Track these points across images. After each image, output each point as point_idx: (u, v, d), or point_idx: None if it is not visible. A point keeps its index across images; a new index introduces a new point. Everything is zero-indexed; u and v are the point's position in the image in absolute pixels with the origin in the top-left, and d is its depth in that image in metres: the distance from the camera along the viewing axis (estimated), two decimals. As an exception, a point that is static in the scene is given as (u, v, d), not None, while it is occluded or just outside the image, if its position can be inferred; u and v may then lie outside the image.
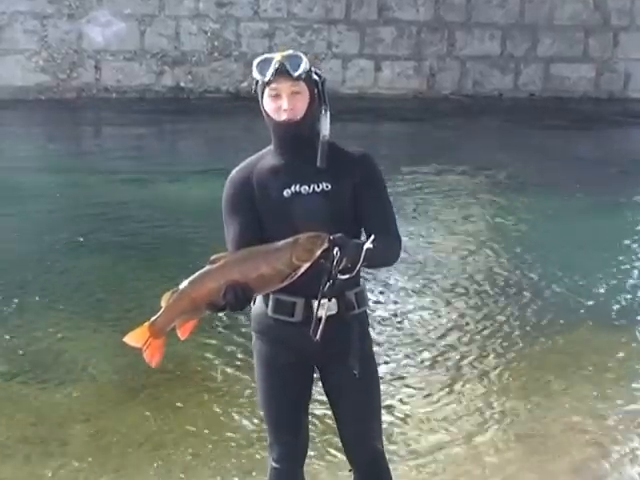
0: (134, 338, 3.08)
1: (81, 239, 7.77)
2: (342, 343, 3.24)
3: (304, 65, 3.20)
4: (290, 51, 3.25)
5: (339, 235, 3.01)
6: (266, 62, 3.21)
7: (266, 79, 3.20)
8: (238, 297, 2.99)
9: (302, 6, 14.42)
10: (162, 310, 3.05)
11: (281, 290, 3.19)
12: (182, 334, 3.07)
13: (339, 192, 3.25)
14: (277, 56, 3.21)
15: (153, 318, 3.05)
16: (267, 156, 3.33)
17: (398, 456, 4.58)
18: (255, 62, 3.24)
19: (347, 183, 3.26)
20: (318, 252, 2.99)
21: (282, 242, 3.03)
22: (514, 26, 15.03)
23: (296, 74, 3.18)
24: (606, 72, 15.35)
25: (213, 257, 3.06)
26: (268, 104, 3.23)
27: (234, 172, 3.35)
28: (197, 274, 3.05)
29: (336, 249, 2.97)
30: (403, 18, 14.73)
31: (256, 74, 3.22)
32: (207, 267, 3.05)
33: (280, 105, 3.20)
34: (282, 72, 3.18)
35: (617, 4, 15.21)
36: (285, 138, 3.25)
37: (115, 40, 13.92)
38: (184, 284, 3.04)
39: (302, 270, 3.02)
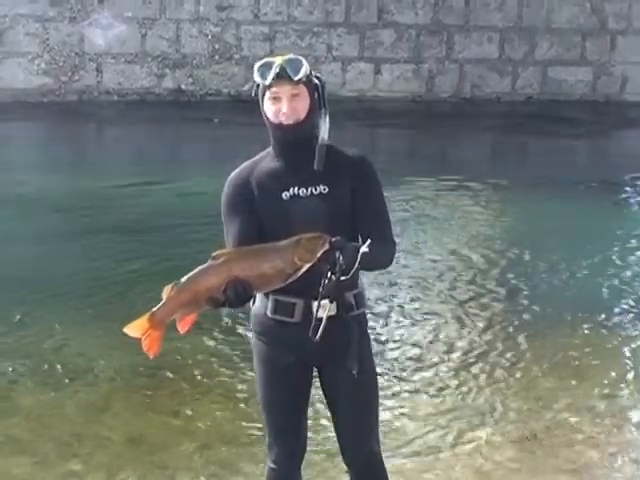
0: (134, 328, 3.11)
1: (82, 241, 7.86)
2: (341, 344, 3.25)
3: (304, 69, 3.23)
4: (291, 55, 3.28)
5: (339, 238, 3.07)
6: (267, 65, 3.24)
7: (267, 82, 3.22)
8: (238, 294, 3.02)
9: (302, 9, 14.48)
10: (163, 302, 3.08)
11: (280, 291, 3.21)
12: (181, 327, 3.10)
13: (337, 195, 3.27)
14: (278, 59, 3.24)
15: (153, 309, 3.08)
16: (266, 158, 3.35)
17: (394, 457, 4.57)
18: (256, 65, 3.28)
19: (345, 186, 3.29)
20: (319, 253, 3.03)
21: (285, 242, 3.06)
22: (512, 29, 15.07)
23: (297, 77, 3.22)
24: (603, 75, 15.39)
25: (215, 253, 3.09)
26: (268, 107, 3.26)
27: (233, 174, 3.37)
28: (199, 268, 3.08)
29: (337, 252, 3.02)
30: (402, 21, 14.78)
31: (257, 77, 3.26)
32: (209, 262, 3.08)
33: (280, 108, 3.23)
34: (283, 75, 3.21)
35: (614, 8, 15.25)
36: (284, 141, 3.27)
37: (116, 43, 13.97)
38: (186, 278, 3.08)
39: (303, 270, 3.05)
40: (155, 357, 3.16)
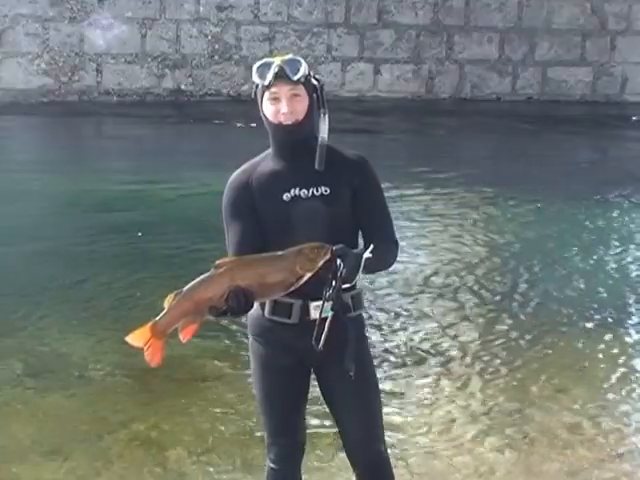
0: (136, 338, 3.10)
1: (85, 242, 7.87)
2: (338, 345, 3.22)
3: (303, 69, 3.25)
4: (290, 55, 3.30)
5: (340, 246, 3.07)
6: (266, 66, 3.26)
7: (266, 83, 3.24)
8: (240, 303, 3.02)
9: (302, 10, 14.51)
10: (165, 311, 3.07)
11: (278, 292, 3.25)
12: (184, 336, 3.10)
13: (338, 196, 3.28)
14: (277, 60, 3.25)
15: (155, 319, 3.08)
16: (267, 159, 3.35)
17: (397, 458, 4.57)
18: (255, 66, 3.30)
19: (345, 187, 3.29)
20: (321, 262, 3.04)
21: (286, 251, 3.07)
22: (512, 30, 15.11)
23: (295, 78, 3.23)
24: (603, 76, 15.43)
25: (218, 262, 3.09)
26: (267, 107, 3.27)
27: (234, 175, 3.37)
28: (201, 278, 3.08)
29: (339, 260, 3.03)
30: (402, 22, 14.80)
31: (256, 78, 3.27)
32: (211, 271, 3.08)
33: (279, 108, 3.24)
34: (281, 76, 3.22)
35: (614, 8, 15.28)
36: (284, 141, 3.28)
37: (116, 43, 14.00)
38: (188, 287, 3.07)
39: (305, 279, 3.07)
40: (157, 366, 3.15)
